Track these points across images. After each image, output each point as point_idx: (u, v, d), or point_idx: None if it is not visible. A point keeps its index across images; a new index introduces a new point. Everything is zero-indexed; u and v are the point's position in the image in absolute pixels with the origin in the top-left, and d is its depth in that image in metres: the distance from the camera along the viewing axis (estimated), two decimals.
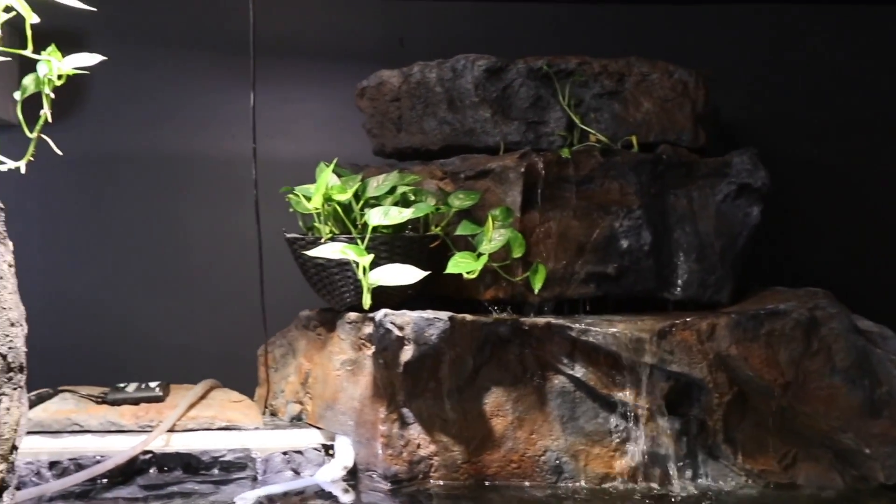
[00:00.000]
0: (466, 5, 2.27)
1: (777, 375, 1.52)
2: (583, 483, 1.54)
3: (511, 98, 1.80)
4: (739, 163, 1.76)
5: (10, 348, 1.07)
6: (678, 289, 1.76)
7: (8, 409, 1.07)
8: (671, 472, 1.53)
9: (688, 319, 1.56)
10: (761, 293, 1.75)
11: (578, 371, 1.56)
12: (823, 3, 2.31)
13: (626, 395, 1.54)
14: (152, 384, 1.79)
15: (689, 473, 1.53)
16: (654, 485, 1.53)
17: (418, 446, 1.52)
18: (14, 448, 1.10)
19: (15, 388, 1.09)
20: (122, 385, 1.78)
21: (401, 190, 1.60)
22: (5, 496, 1.08)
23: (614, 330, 1.52)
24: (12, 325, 1.09)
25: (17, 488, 1.21)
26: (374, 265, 1.48)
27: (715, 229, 1.76)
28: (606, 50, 1.88)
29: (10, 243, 1.12)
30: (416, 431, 1.53)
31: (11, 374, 1.08)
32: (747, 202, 1.76)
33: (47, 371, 1.66)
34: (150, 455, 1.55)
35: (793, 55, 2.32)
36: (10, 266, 1.11)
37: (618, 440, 1.56)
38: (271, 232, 1.80)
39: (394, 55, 2.06)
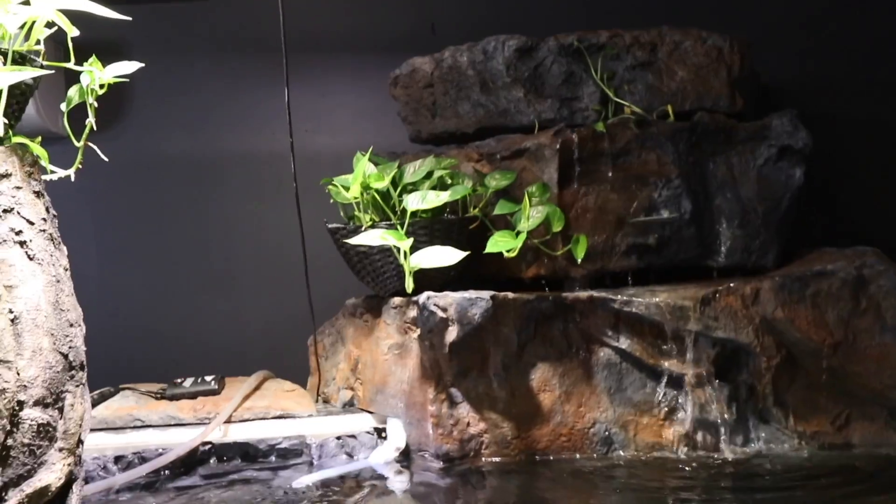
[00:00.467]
0: None
1: (826, 336, 1.51)
2: (633, 453, 1.55)
3: (543, 76, 1.79)
4: (779, 125, 1.73)
5: (70, 348, 1.12)
6: (722, 256, 1.74)
7: (72, 405, 1.12)
8: (721, 438, 1.53)
9: (731, 285, 1.56)
10: (808, 255, 1.73)
11: (623, 342, 1.56)
12: None
13: (672, 364, 1.54)
14: (208, 378, 1.83)
15: (739, 439, 1.53)
16: (705, 452, 1.53)
17: (468, 424, 1.53)
18: (80, 442, 1.14)
19: (77, 386, 1.14)
20: (178, 381, 1.82)
21: (437, 174, 1.61)
22: (74, 488, 1.13)
23: (657, 299, 1.52)
24: (71, 325, 1.13)
25: (85, 482, 1.26)
26: (413, 249, 1.49)
27: (757, 194, 1.74)
28: (637, 21, 1.87)
29: (65, 248, 1.16)
30: (465, 410, 1.53)
31: (73, 372, 1.13)
32: (789, 164, 1.73)
33: (107, 371, 1.71)
34: (209, 446, 1.58)
35: (832, 15, 2.26)
36: (66, 269, 1.16)
37: (666, 409, 1.56)
38: (313, 224, 1.83)
39: (426, 42, 2.05)
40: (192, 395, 1.78)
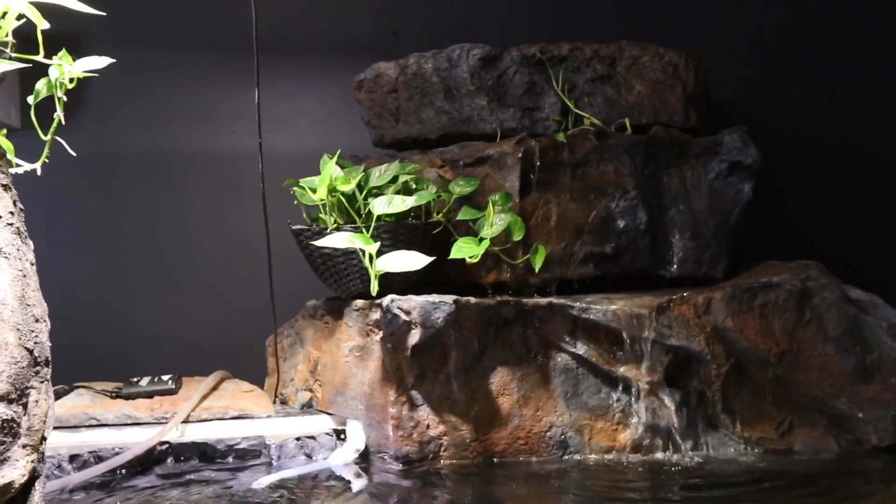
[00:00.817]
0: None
1: (772, 345, 1.54)
2: (588, 456, 1.56)
3: (506, 85, 1.80)
4: (730, 141, 1.78)
5: (35, 343, 1.10)
6: (674, 266, 1.77)
7: (37, 401, 1.11)
8: (672, 443, 1.55)
9: (685, 294, 1.58)
10: (755, 268, 1.77)
11: (580, 348, 1.57)
12: None
13: (627, 370, 1.56)
14: (165, 377, 1.80)
15: (689, 444, 1.56)
16: (657, 455, 1.56)
17: (428, 427, 1.53)
18: (44, 439, 1.12)
19: (42, 382, 1.12)
20: (135, 379, 1.79)
21: (402, 179, 1.61)
22: (37, 485, 1.11)
23: (614, 307, 1.54)
24: (37, 321, 1.12)
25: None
26: (379, 253, 1.48)
27: (708, 207, 1.77)
28: (597, 35, 1.89)
29: (31, 243, 1.15)
30: (425, 413, 1.54)
31: (38, 367, 1.11)
32: (739, 179, 1.78)
33: (61, 369, 1.67)
34: (166, 445, 1.56)
35: (780, 35, 2.32)
36: (32, 264, 1.14)
37: (620, 414, 1.57)
38: (275, 225, 1.82)
39: (389, 48, 2.05)
40: (149, 395, 1.75)
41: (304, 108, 2.18)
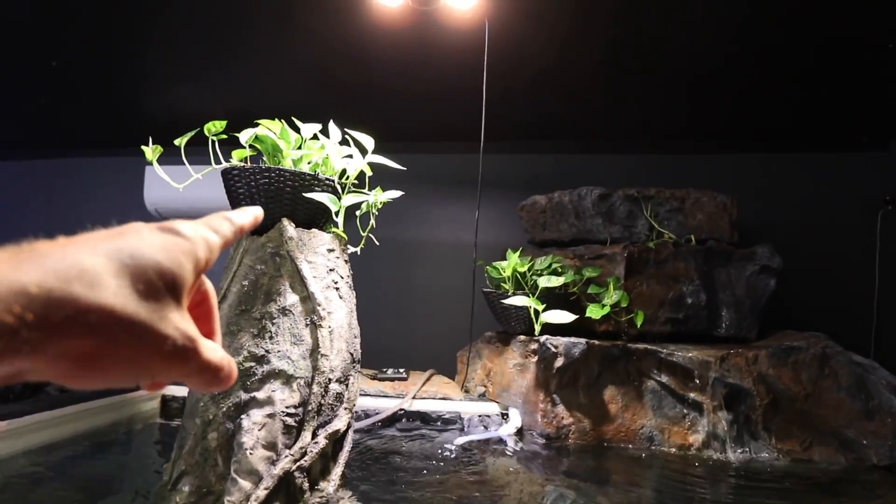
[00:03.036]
0: (581, 156, 2.23)
1: (800, 389, 1.40)
2: (667, 449, 1.45)
3: (614, 212, 1.76)
4: (762, 252, 1.65)
5: (354, 350, 1.13)
6: (723, 329, 1.64)
7: (353, 383, 1.13)
8: (723, 446, 1.41)
9: (740, 350, 1.46)
10: (778, 335, 1.61)
11: (664, 378, 1.48)
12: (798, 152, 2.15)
13: (696, 395, 1.45)
14: (401, 370, 1.83)
15: (737, 448, 1.41)
16: (712, 453, 1.42)
17: (562, 419, 1.48)
18: (354, 404, 1.15)
19: (356, 372, 1.14)
20: (385, 370, 1.84)
21: (554, 265, 1.59)
22: (350, 431, 1.13)
23: (691, 354, 1.44)
24: (356, 337, 1.15)
25: None
26: (542, 310, 1.45)
27: (746, 293, 1.64)
28: (673, 183, 1.81)
29: (354, 292, 1.19)
30: (561, 409, 1.48)
31: (354, 364, 1.13)
32: (767, 276, 1.64)
33: None
34: (402, 411, 1.56)
35: (786, 190, 2.16)
36: (354, 304, 1.19)
37: (689, 423, 1.45)
38: (462, 286, 1.80)
39: (534, 186, 2.02)
40: (392, 380, 1.78)
41: (494, 222, 2.14)
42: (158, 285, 0.22)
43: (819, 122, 2.03)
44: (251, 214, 0.30)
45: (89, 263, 0.19)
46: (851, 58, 1.61)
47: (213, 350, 0.25)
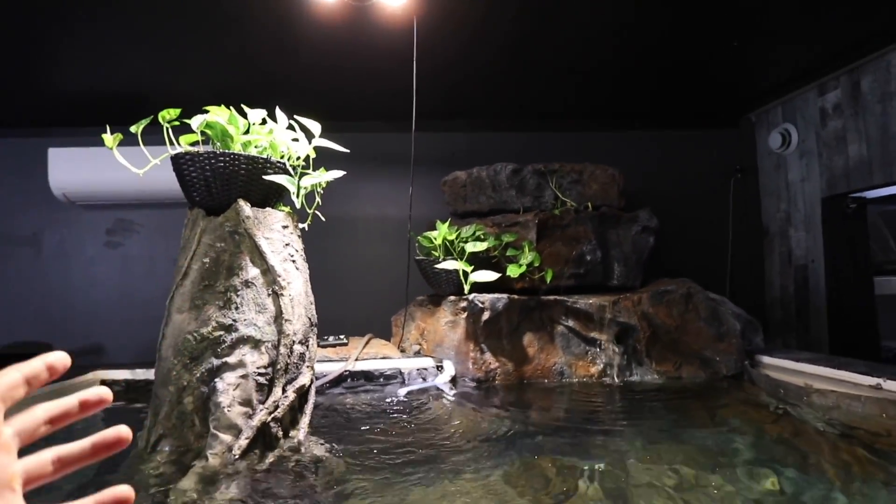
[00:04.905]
0: (491, 134, 2.42)
1: (672, 322, 1.69)
2: (574, 380, 1.69)
3: (525, 184, 1.97)
4: (643, 215, 1.95)
5: (311, 315, 1.25)
6: (615, 280, 1.92)
7: (312, 344, 1.25)
8: (618, 373, 1.68)
9: (627, 295, 1.72)
10: (656, 282, 1.92)
11: (571, 323, 1.71)
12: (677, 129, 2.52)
13: (595, 334, 1.69)
14: (341, 336, 1.95)
15: (627, 373, 1.68)
16: (609, 380, 1.68)
17: (490, 364, 1.66)
18: (314, 363, 1.27)
19: (314, 335, 1.26)
20: (326, 337, 1.94)
21: (478, 233, 1.76)
22: (312, 387, 1.25)
23: (590, 301, 1.69)
24: (311, 303, 1.27)
25: None
26: (471, 272, 1.63)
27: (632, 249, 1.94)
28: (573, 157, 2.05)
29: (307, 264, 1.30)
30: (489, 356, 1.67)
31: (313, 327, 1.26)
32: (647, 235, 1.95)
33: None
34: (347, 372, 1.66)
35: (661, 164, 2.52)
36: (307, 274, 1.30)
37: (591, 358, 1.70)
38: (399, 255, 1.94)
39: (452, 162, 2.17)
40: (334, 346, 1.88)
41: (419, 196, 2.24)
42: None
43: (683, 105, 2.41)
44: (42, 361, 0.28)
45: None
46: (706, 53, 1.95)
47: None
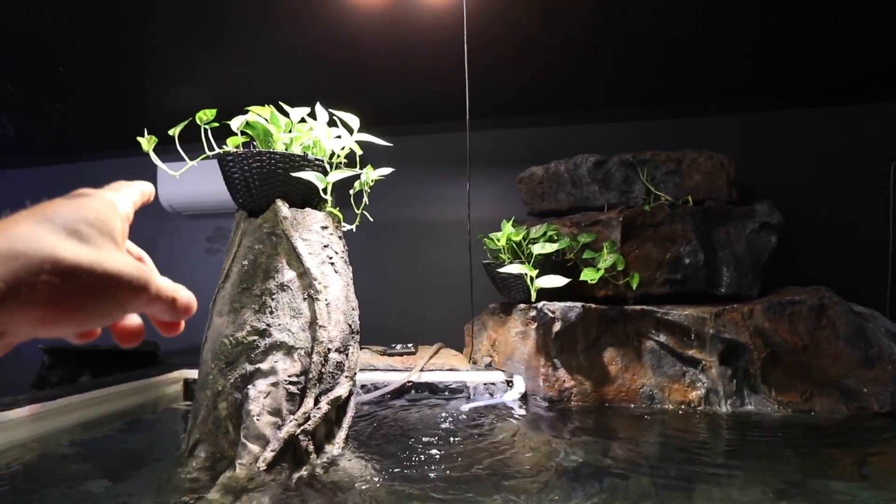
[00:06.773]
0: (575, 126, 2.22)
1: (798, 340, 1.39)
2: (668, 406, 1.47)
3: (610, 178, 1.76)
4: (761, 209, 1.63)
5: (352, 321, 1.18)
6: (723, 288, 1.63)
7: (353, 353, 1.18)
8: (723, 401, 1.42)
9: (734, 305, 1.46)
10: (781, 290, 1.59)
11: (662, 338, 1.49)
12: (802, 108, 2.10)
13: (694, 353, 1.45)
14: (409, 345, 1.88)
15: (738, 402, 1.41)
16: (713, 409, 1.43)
17: (563, 382, 1.50)
18: (355, 373, 1.19)
19: (355, 343, 1.19)
20: (393, 345, 1.89)
21: (549, 233, 1.60)
22: (352, 399, 1.19)
23: (686, 312, 1.45)
24: (353, 309, 1.20)
25: None
26: (537, 276, 1.48)
27: (746, 251, 1.63)
28: (669, 147, 1.80)
29: (351, 267, 1.23)
30: (562, 373, 1.51)
31: (353, 335, 1.18)
32: (767, 233, 1.63)
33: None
34: (411, 383, 1.61)
35: (791, 146, 2.12)
36: (351, 278, 1.24)
37: (689, 381, 1.46)
38: (468, 261, 1.84)
39: (532, 157, 2.03)
40: (401, 354, 1.83)
41: (490, 194, 2.17)
42: (88, 231, 0.26)
43: (821, 76, 1.98)
44: (137, 185, 0.34)
45: (25, 230, 0.23)
46: (855, 7, 1.57)
47: (165, 280, 0.29)
